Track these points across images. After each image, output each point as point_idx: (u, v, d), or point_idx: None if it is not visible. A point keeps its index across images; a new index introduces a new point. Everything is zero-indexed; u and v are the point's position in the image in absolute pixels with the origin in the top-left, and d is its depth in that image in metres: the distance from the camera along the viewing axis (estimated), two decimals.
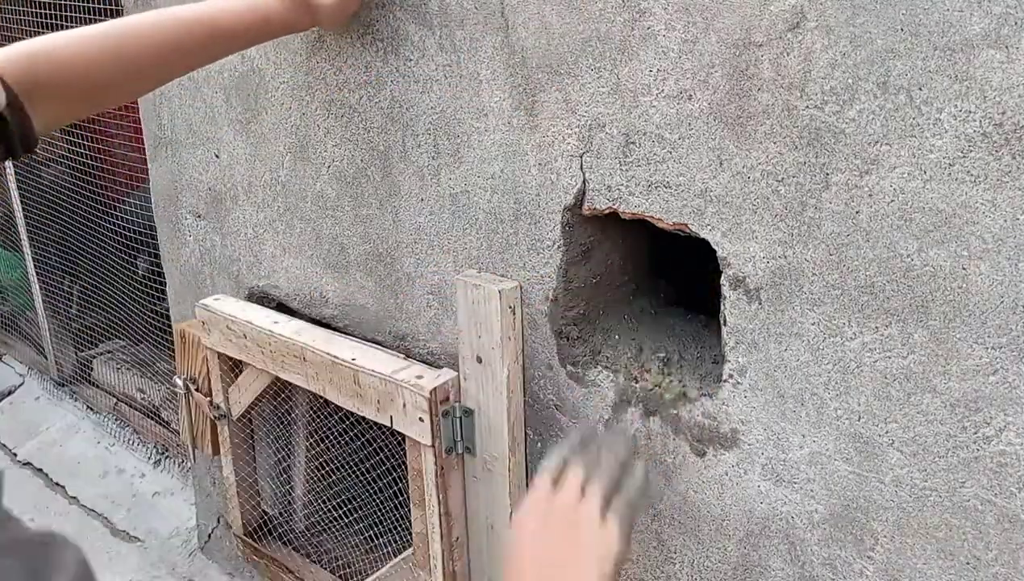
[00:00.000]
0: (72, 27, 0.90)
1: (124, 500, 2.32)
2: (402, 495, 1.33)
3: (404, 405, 1.10)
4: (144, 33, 0.93)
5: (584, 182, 0.95)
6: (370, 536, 1.47)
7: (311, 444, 1.49)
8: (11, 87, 0.82)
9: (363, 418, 1.21)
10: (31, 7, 2.10)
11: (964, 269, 0.71)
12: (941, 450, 0.77)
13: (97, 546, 2.10)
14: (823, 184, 0.77)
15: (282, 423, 1.50)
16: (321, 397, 1.25)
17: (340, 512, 1.48)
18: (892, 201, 0.74)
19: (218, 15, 0.98)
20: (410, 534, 1.22)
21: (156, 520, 2.22)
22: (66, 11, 2.03)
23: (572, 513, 0.85)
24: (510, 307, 1.04)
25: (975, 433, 0.74)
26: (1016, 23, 0.64)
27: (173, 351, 1.58)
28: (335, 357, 1.18)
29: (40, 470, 2.46)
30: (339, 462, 1.46)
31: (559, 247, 1.00)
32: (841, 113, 0.74)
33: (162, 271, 1.75)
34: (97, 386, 2.75)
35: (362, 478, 1.41)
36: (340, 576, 1.48)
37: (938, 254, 0.72)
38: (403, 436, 1.15)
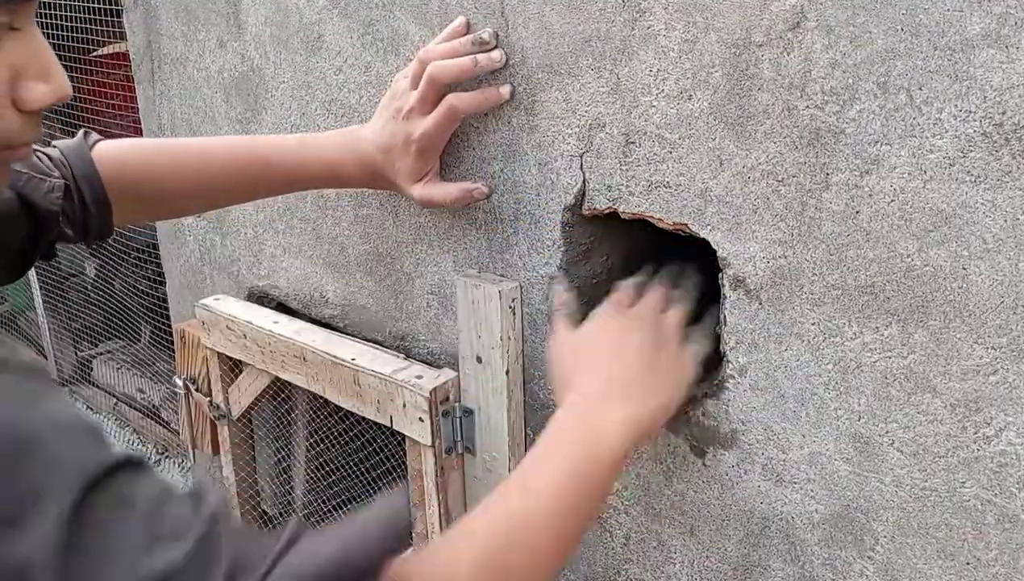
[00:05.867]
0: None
1: None
2: None
3: (404, 405, 1.10)
4: (225, 159, 1.01)
5: (584, 182, 0.95)
6: None
7: (311, 444, 1.49)
8: (104, 185, 0.93)
9: (363, 418, 1.21)
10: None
11: (964, 269, 0.71)
12: (941, 450, 0.77)
13: None
14: (823, 184, 0.77)
15: (282, 423, 1.50)
16: (321, 397, 1.25)
17: (340, 512, 1.48)
18: (892, 201, 0.73)
19: (298, 158, 1.03)
20: (410, 534, 1.22)
21: None
22: (66, 10, 2.03)
23: (655, 320, 0.78)
24: (510, 307, 1.04)
25: (975, 433, 0.74)
26: (1016, 23, 0.64)
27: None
28: (335, 357, 1.18)
29: None
30: (339, 462, 1.46)
31: (559, 247, 1.00)
32: (841, 113, 0.74)
33: None
34: (97, 386, 2.75)
35: (362, 478, 1.41)
36: None
37: (938, 254, 0.72)
38: (403, 436, 1.15)
